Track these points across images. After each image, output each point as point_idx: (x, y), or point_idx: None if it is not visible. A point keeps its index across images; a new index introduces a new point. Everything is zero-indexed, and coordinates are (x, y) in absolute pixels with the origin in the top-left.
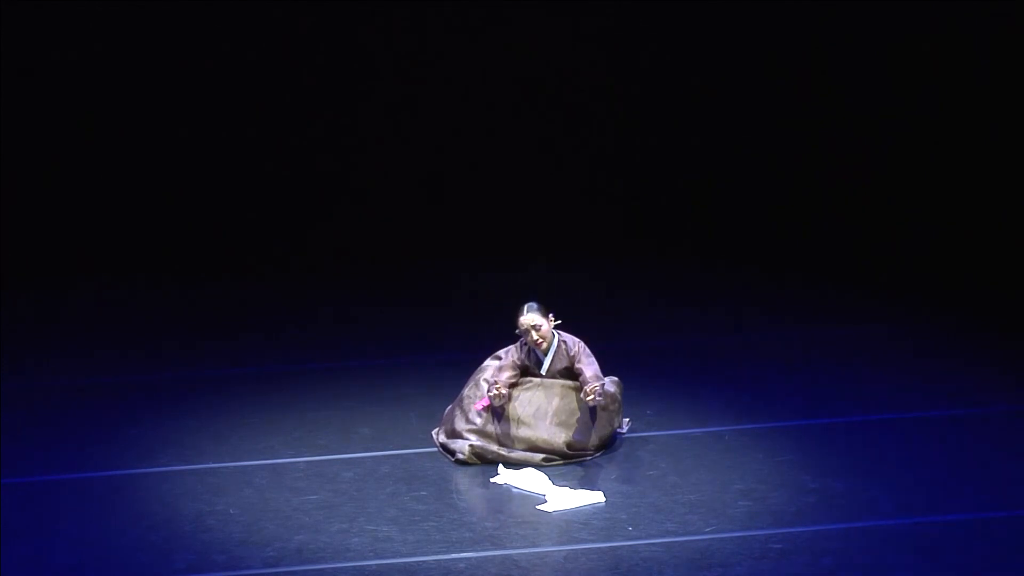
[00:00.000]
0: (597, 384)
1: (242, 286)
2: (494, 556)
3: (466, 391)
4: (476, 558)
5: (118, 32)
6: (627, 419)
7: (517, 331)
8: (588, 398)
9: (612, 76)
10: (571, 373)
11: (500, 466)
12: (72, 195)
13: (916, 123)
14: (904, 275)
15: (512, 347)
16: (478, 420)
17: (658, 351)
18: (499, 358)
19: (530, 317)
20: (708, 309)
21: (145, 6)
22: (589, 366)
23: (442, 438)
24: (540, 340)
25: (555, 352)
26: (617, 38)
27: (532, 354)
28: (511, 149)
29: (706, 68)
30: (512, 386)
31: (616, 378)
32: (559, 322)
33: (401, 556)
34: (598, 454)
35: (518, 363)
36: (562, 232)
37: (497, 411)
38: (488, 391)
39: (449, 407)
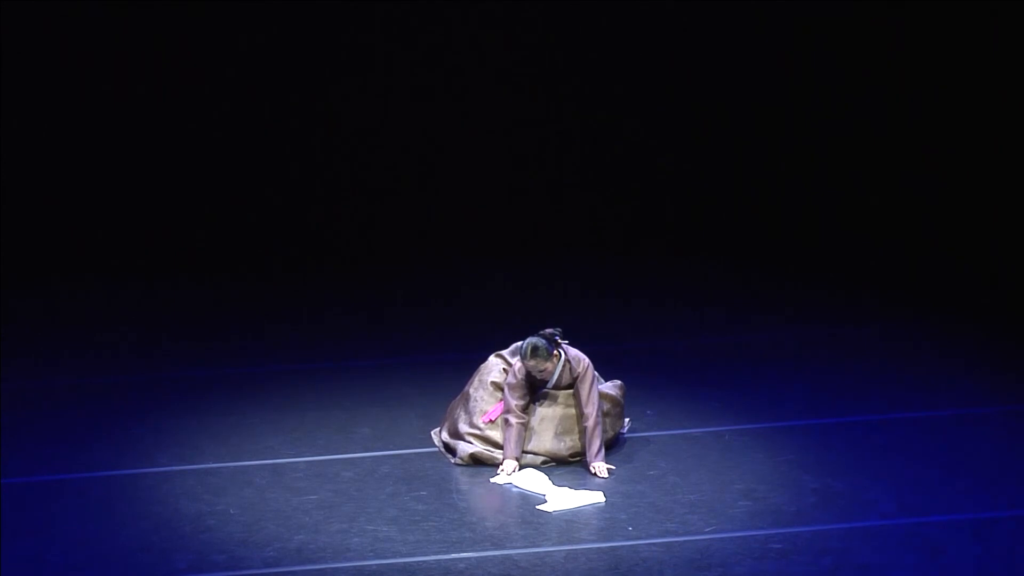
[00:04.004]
0: (602, 466)
1: (242, 286)
2: (494, 556)
3: (471, 390)
4: (476, 558)
5: (116, 33)
6: (627, 419)
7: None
8: (598, 478)
9: (611, 75)
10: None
11: (499, 467)
12: (72, 195)
13: (915, 123)
14: (904, 275)
15: (516, 362)
16: (482, 424)
17: (658, 351)
18: (502, 357)
19: (532, 363)
20: (708, 309)
21: (143, 7)
22: (589, 394)
23: (444, 436)
24: (544, 376)
25: (559, 374)
26: (616, 37)
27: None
28: (511, 149)
29: (705, 67)
30: (524, 409)
31: (619, 381)
32: (567, 341)
33: (401, 556)
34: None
35: (524, 382)
36: (562, 232)
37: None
38: (500, 468)
39: (452, 403)
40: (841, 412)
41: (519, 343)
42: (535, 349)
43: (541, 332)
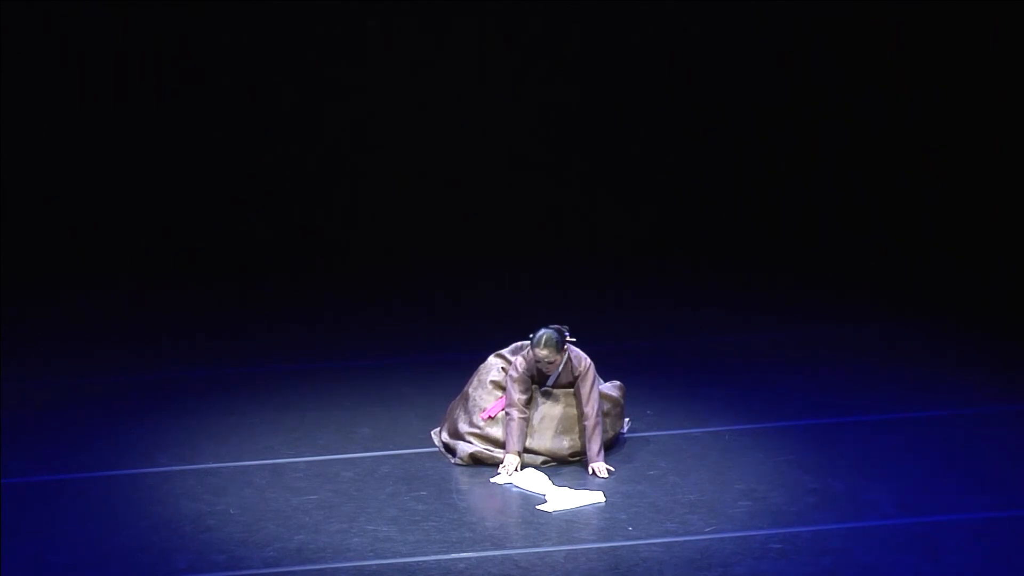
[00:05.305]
0: (602, 466)
1: (242, 286)
2: (494, 556)
3: (470, 389)
4: (476, 558)
5: (116, 33)
6: (627, 419)
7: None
8: (598, 478)
9: (611, 75)
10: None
11: (501, 465)
12: (72, 195)
13: (915, 123)
14: (904, 275)
15: (518, 357)
16: (481, 423)
17: (658, 351)
18: (502, 356)
19: (543, 353)
20: (708, 309)
21: (143, 7)
22: (590, 393)
23: (444, 436)
24: (549, 369)
25: (561, 371)
26: (617, 37)
27: (539, 369)
28: (511, 148)
29: (705, 67)
30: (526, 403)
31: (619, 382)
32: (573, 340)
33: (401, 556)
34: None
35: (527, 376)
36: (562, 231)
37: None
38: (502, 464)
39: (451, 404)
40: (841, 412)
41: (519, 342)
42: (548, 339)
43: (551, 326)
